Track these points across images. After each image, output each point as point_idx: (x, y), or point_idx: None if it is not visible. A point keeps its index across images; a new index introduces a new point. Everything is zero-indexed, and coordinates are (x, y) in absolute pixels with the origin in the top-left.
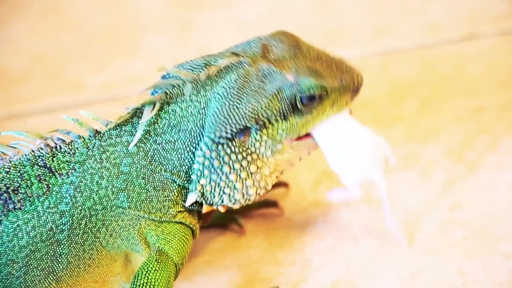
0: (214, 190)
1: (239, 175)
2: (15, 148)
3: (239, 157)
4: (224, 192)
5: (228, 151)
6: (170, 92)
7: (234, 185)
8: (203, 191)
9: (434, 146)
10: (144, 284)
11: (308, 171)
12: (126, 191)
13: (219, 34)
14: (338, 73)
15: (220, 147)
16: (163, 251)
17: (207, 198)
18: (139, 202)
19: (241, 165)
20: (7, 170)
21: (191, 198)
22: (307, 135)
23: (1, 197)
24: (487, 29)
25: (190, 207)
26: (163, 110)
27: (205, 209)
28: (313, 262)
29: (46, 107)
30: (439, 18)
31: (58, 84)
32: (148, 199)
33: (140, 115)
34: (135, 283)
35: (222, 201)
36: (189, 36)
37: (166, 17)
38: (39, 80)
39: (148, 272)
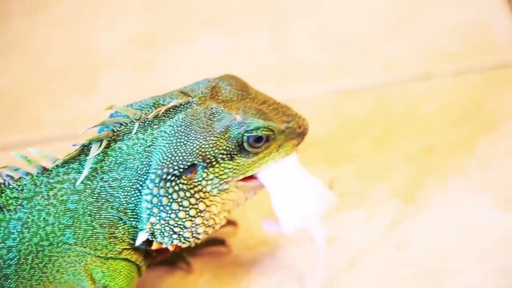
0: (164, 229)
1: (188, 213)
2: None
3: (188, 194)
4: (173, 232)
5: (176, 188)
6: (118, 130)
7: (184, 224)
8: (153, 229)
9: (383, 185)
10: None
11: (257, 210)
12: (72, 227)
13: (177, 72)
14: (284, 117)
15: (168, 184)
16: (108, 287)
17: (157, 237)
18: (85, 239)
19: (190, 203)
20: None
21: (142, 237)
22: (253, 176)
23: None
24: (442, 69)
25: (138, 246)
26: (110, 148)
27: (154, 245)
28: None
29: (3, 144)
30: (394, 57)
31: (15, 122)
32: (94, 236)
33: (87, 152)
34: None
35: (172, 240)
36: (147, 74)
37: (124, 55)
38: None
39: None
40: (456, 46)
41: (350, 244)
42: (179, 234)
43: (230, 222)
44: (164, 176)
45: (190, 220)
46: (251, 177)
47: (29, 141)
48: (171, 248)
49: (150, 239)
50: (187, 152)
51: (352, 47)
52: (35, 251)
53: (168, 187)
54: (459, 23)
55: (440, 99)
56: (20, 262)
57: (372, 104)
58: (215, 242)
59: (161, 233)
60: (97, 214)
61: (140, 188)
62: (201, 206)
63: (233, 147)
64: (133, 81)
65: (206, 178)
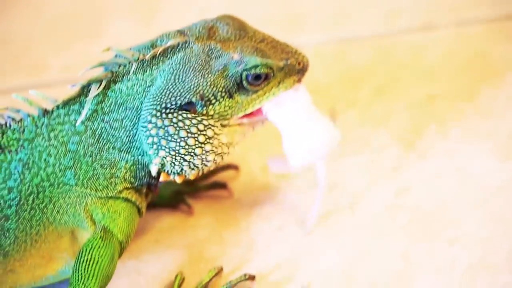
0: (175, 158)
1: (197, 139)
2: None
3: (194, 121)
4: (184, 159)
5: (180, 117)
6: (116, 71)
7: (194, 151)
8: (164, 162)
9: (385, 132)
10: (88, 261)
11: (258, 154)
12: (73, 168)
13: (181, 19)
14: (283, 54)
15: (170, 114)
16: (108, 228)
17: (167, 168)
18: (85, 180)
19: (198, 129)
20: None
21: (154, 169)
22: (257, 111)
23: None
24: (445, 19)
25: (138, 186)
26: (110, 89)
27: (162, 177)
28: (258, 243)
29: (8, 88)
30: (397, 7)
31: (20, 66)
32: (95, 177)
33: (88, 93)
34: (79, 259)
35: (182, 168)
36: (152, 20)
37: (129, 2)
38: (2, 61)
39: (92, 249)
40: None
41: (351, 189)
42: (189, 162)
43: (232, 166)
44: (163, 110)
45: (200, 147)
46: (254, 112)
47: (34, 85)
48: (178, 180)
49: (160, 170)
50: (184, 89)
51: None
52: (35, 192)
53: (172, 117)
54: None
55: (442, 48)
56: (21, 202)
57: (374, 53)
58: (216, 185)
59: (172, 163)
60: (98, 155)
61: (141, 126)
62: (210, 132)
63: (231, 85)
64: (139, 27)
65: (206, 115)
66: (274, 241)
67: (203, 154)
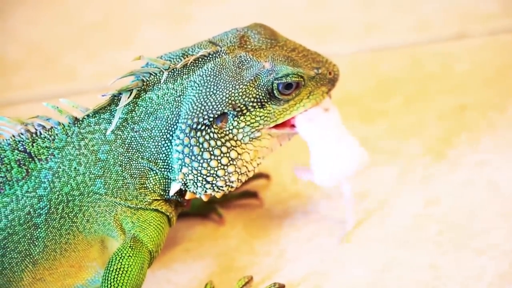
0: (197, 178)
1: (220, 161)
2: None
3: (218, 143)
4: (206, 181)
5: (207, 137)
6: (147, 80)
7: (216, 172)
8: (186, 180)
9: (416, 142)
10: (117, 270)
11: (290, 164)
12: (103, 177)
13: (212, 28)
14: (314, 63)
15: (198, 133)
16: (138, 238)
17: (190, 187)
18: (115, 189)
19: (221, 151)
20: None
21: (174, 187)
22: (287, 124)
23: None
24: (476, 29)
25: (169, 196)
26: (140, 98)
27: (188, 196)
28: (288, 253)
29: (40, 95)
30: (429, 16)
31: (52, 73)
32: (124, 186)
33: (118, 102)
34: (109, 268)
35: (205, 190)
36: (183, 29)
37: (161, 10)
38: (34, 69)
39: (122, 258)
40: (491, 6)
41: (381, 199)
42: (212, 183)
43: (263, 175)
44: (195, 126)
45: (223, 169)
46: (284, 124)
47: (64, 92)
48: (204, 198)
49: (183, 189)
50: (216, 101)
51: (387, 5)
52: (65, 201)
53: (199, 137)
54: None
55: (474, 58)
56: (51, 211)
57: (406, 62)
58: (247, 194)
59: (194, 183)
60: (128, 164)
61: (170, 138)
62: (233, 154)
63: (263, 94)
64: (169, 36)
65: (237, 127)
66: (304, 251)
67: (225, 175)
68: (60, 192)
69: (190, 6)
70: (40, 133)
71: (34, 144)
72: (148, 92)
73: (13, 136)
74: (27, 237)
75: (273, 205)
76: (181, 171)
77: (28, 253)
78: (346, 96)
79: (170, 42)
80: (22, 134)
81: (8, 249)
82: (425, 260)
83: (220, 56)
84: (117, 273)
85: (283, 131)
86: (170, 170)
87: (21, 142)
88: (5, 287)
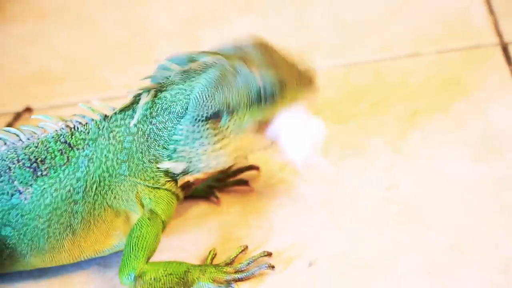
0: (194, 159)
1: (214, 145)
2: (42, 128)
3: (213, 132)
4: (201, 160)
5: (204, 128)
6: (163, 82)
7: (209, 155)
8: (187, 159)
9: (378, 139)
10: (138, 236)
11: (277, 156)
12: (127, 162)
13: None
14: (297, 73)
15: (198, 124)
16: (154, 211)
17: (190, 167)
18: (137, 172)
19: (214, 140)
20: (36, 145)
21: (180, 165)
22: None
23: (32, 166)
24: (427, 49)
25: (177, 177)
26: (157, 97)
27: (187, 178)
28: (276, 226)
29: (77, 101)
30: (389, 40)
31: (87, 83)
32: (144, 169)
33: (139, 101)
34: (131, 235)
35: (201, 168)
36: (193, 47)
37: (175, 32)
38: (72, 79)
39: (142, 226)
40: (439, 30)
41: (351, 185)
42: (206, 162)
43: (254, 167)
44: (197, 118)
45: (215, 151)
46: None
47: (97, 99)
48: (202, 176)
49: (186, 169)
50: (215, 101)
51: (357, 30)
52: (98, 181)
53: (199, 126)
54: (443, 11)
55: (424, 72)
56: (86, 190)
57: (371, 76)
58: (241, 182)
59: (193, 162)
60: (147, 151)
61: (178, 126)
62: (225, 141)
63: (252, 97)
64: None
65: (228, 123)
66: (289, 225)
67: (216, 156)
68: (94, 174)
69: (199, 29)
70: (77, 128)
71: (72, 137)
72: (163, 92)
73: (56, 130)
74: (68, 211)
75: (263, 189)
76: (182, 151)
77: (68, 224)
78: (324, 102)
79: None
80: (63, 129)
81: (52, 221)
82: (387, 233)
83: (222, 64)
84: (137, 239)
85: (263, 134)
86: (175, 151)
87: (62, 135)
88: (49, 253)
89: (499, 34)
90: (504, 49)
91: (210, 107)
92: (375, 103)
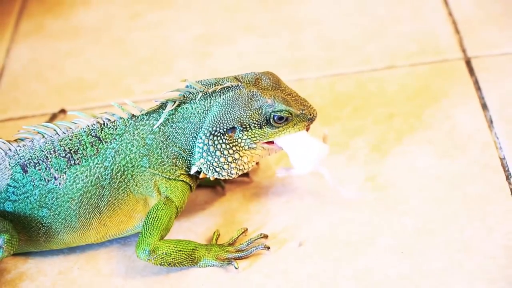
0: (209, 167)
1: (227, 159)
2: (76, 123)
3: (227, 146)
4: (215, 170)
5: (221, 141)
6: (187, 96)
7: (223, 166)
8: (201, 166)
9: (359, 138)
10: (154, 217)
11: (273, 155)
12: (148, 156)
13: (225, 61)
14: (301, 106)
15: (215, 137)
16: (169, 197)
17: (204, 171)
18: (156, 165)
19: (228, 152)
20: (70, 138)
21: (193, 169)
22: (273, 142)
23: (66, 156)
24: (402, 62)
25: (192, 173)
26: (180, 107)
27: (201, 175)
28: (272, 211)
29: (106, 105)
30: (370, 54)
31: (116, 90)
32: (162, 163)
33: (164, 107)
34: (148, 216)
35: (214, 174)
36: (205, 62)
37: (190, 48)
38: (104, 87)
39: (158, 210)
40: (412, 47)
41: (335, 177)
42: (219, 172)
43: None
44: (213, 132)
45: (227, 164)
46: (272, 142)
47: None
48: (212, 178)
49: (199, 171)
50: (230, 118)
51: (342, 47)
52: (122, 170)
53: (215, 140)
54: (415, 31)
55: (399, 82)
56: (112, 177)
57: (354, 84)
58: (242, 175)
59: (207, 169)
60: (165, 149)
61: (196, 136)
62: (236, 155)
63: (262, 120)
64: (196, 66)
65: (241, 138)
66: (283, 211)
67: (228, 169)
68: (119, 164)
69: (209, 46)
70: (107, 124)
71: (102, 131)
72: (186, 104)
73: (88, 125)
74: (96, 194)
75: (261, 180)
76: (199, 160)
77: (96, 206)
78: (315, 107)
79: (196, 71)
80: (94, 124)
81: (83, 203)
82: (366, 218)
83: (239, 88)
84: (153, 219)
85: (272, 146)
86: (192, 157)
87: (93, 130)
88: (81, 230)
89: (463, 50)
90: (468, 62)
91: (225, 123)
92: (356, 108)
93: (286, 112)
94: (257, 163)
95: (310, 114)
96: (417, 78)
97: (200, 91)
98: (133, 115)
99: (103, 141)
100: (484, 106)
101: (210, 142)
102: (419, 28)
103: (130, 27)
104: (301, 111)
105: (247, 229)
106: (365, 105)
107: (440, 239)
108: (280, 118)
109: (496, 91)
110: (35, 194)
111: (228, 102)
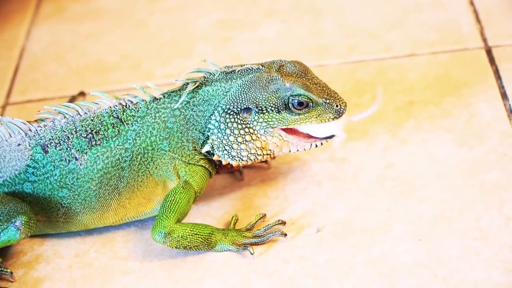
0: (218, 146)
1: (237, 138)
2: (98, 104)
3: (239, 126)
4: (225, 149)
5: (232, 120)
6: (207, 77)
7: (232, 145)
8: (213, 144)
9: (379, 125)
10: (172, 201)
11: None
12: (168, 139)
13: (247, 46)
14: (326, 95)
15: (227, 115)
16: (188, 182)
17: (215, 151)
18: (176, 148)
19: (239, 132)
20: (92, 118)
21: (206, 147)
22: (299, 135)
23: (88, 136)
24: (422, 50)
25: (209, 156)
26: (201, 89)
27: (215, 157)
28: (290, 197)
29: (126, 88)
30: (391, 42)
31: (137, 73)
32: (182, 147)
33: (185, 88)
34: (166, 199)
35: (224, 155)
36: (227, 46)
37: (211, 32)
38: (124, 70)
39: (176, 193)
40: (434, 35)
41: (355, 163)
42: (228, 152)
43: None
44: (227, 111)
45: (237, 144)
46: (297, 134)
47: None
48: (224, 162)
49: (211, 151)
50: (246, 98)
51: (364, 34)
52: (142, 153)
53: (227, 118)
54: (437, 19)
55: (420, 70)
56: (132, 159)
57: (374, 72)
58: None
59: (217, 147)
60: (186, 133)
61: (212, 116)
62: (247, 137)
63: (280, 103)
64: (217, 50)
65: (256, 120)
66: (301, 197)
67: (238, 149)
68: (140, 146)
69: (230, 30)
70: (129, 106)
71: (124, 113)
72: (207, 86)
73: (110, 107)
74: (116, 176)
75: (280, 165)
76: (211, 137)
77: (116, 187)
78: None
79: (217, 54)
80: (116, 106)
81: (103, 183)
82: (383, 205)
83: (260, 71)
84: (171, 202)
85: (292, 137)
86: (208, 137)
87: (115, 111)
88: (100, 211)
89: (484, 39)
90: (488, 52)
91: (240, 103)
92: (376, 95)
93: (305, 97)
94: (273, 157)
95: (337, 106)
96: (438, 66)
97: (221, 72)
98: (155, 97)
99: (124, 123)
100: (504, 96)
101: (222, 120)
102: (441, 17)
103: (151, 10)
104: (324, 99)
105: (265, 215)
106: (385, 92)
107: (457, 227)
108: (300, 103)
109: None
110: (56, 175)
111: (246, 83)
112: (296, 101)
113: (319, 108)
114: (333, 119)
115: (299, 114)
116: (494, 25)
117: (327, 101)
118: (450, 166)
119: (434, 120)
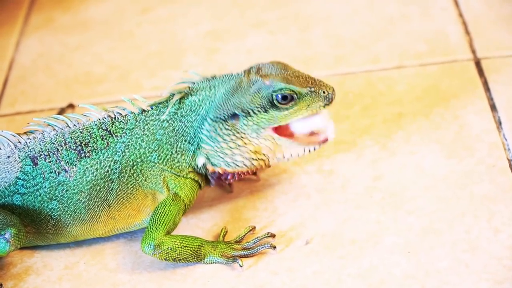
0: (213, 154)
1: (229, 144)
2: (87, 116)
3: (230, 133)
4: (220, 157)
5: (221, 127)
6: (193, 88)
7: (225, 151)
8: (207, 154)
9: (367, 137)
10: (161, 212)
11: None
12: (157, 151)
13: (234, 57)
14: (310, 84)
15: (217, 124)
16: (177, 194)
17: (210, 159)
18: (165, 160)
19: (231, 138)
20: (81, 130)
21: (200, 159)
22: (291, 136)
23: (77, 148)
24: (411, 62)
25: (199, 170)
26: (187, 100)
27: (210, 168)
28: (279, 209)
29: (115, 99)
30: (379, 53)
31: (125, 85)
32: (171, 159)
33: (171, 99)
34: (155, 211)
35: (220, 163)
36: (214, 57)
37: (198, 44)
38: (113, 81)
39: (165, 205)
40: (422, 47)
41: (343, 175)
42: (223, 159)
43: None
44: (215, 119)
45: (230, 150)
46: (288, 135)
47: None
48: (221, 171)
49: (205, 163)
50: (230, 105)
51: (352, 45)
52: (132, 165)
53: (217, 127)
54: (425, 30)
55: (409, 82)
56: (122, 171)
57: (363, 83)
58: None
59: (212, 157)
60: (175, 144)
61: (202, 126)
62: (240, 142)
63: (265, 102)
64: (204, 61)
65: (246, 124)
66: (290, 209)
67: (232, 155)
68: (129, 158)
69: (218, 41)
70: (118, 118)
71: (113, 125)
72: (192, 96)
73: (99, 119)
74: (105, 188)
75: (269, 177)
76: (204, 148)
77: (105, 199)
78: None
79: (205, 65)
80: (105, 118)
81: (92, 195)
82: (372, 217)
83: (240, 77)
84: (161, 214)
85: (286, 140)
86: (200, 149)
87: (104, 124)
88: (89, 222)
89: (473, 51)
90: (477, 63)
91: (226, 109)
92: (365, 107)
93: (288, 90)
94: (268, 165)
95: (325, 92)
96: (426, 78)
97: (204, 80)
98: (143, 110)
99: (113, 135)
100: (493, 107)
101: (212, 129)
102: (429, 28)
103: (139, 22)
104: (308, 89)
105: (255, 227)
106: (373, 104)
107: (446, 239)
108: (284, 97)
109: (505, 93)
110: (45, 187)
111: (229, 90)
112: (279, 95)
113: (306, 98)
114: (324, 106)
115: (287, 109)
116: (483, 36)
117: (312, 89)
118: (439, 177)
119: (423, 132)
